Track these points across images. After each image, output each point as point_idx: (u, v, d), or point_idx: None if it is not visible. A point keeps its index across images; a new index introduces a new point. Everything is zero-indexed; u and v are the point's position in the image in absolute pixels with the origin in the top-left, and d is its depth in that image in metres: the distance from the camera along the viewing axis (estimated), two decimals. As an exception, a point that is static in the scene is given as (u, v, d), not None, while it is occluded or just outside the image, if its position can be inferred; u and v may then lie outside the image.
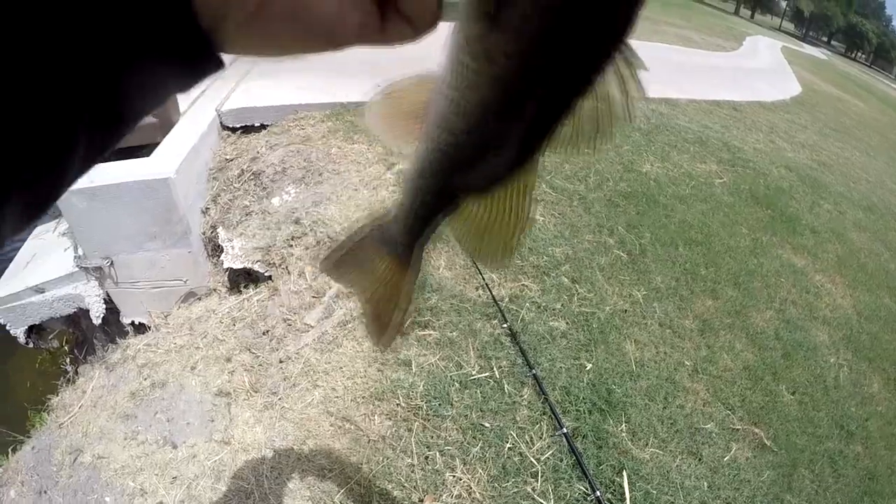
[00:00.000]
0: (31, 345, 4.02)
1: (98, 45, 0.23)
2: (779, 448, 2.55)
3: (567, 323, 2.62)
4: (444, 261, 2.71)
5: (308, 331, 2.65)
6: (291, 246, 2.95)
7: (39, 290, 3.69)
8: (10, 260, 4.90)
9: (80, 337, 4.25)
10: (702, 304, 3.16)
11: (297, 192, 3.30)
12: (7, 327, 3.81)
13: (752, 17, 65.79)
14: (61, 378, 4.03)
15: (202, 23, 0.25)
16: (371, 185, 3.24)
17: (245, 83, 4.68)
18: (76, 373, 3.98)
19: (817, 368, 3.19)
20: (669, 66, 8.78)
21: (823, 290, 3.96)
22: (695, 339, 2.90)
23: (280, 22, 0.28)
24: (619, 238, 3.19)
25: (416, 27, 0.30)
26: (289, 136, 3.80)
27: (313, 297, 2.73)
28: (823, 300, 3.84)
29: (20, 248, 4.23)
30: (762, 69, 13.43)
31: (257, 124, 4.05)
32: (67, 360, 4.20)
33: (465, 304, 2.50)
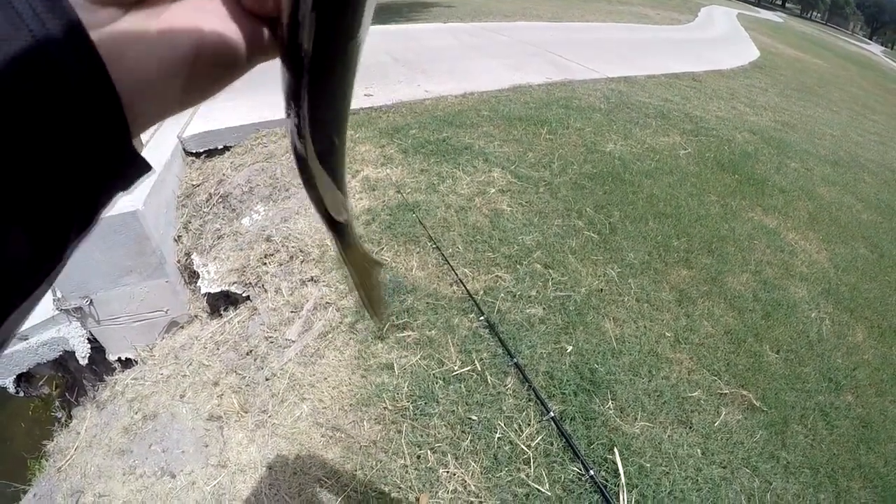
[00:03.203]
0: (21, 394, 3.98)
1: (66, 187, 0.27)
2: (769, 407, 2.57)
3: (544, 309, 2.64)
4: (416, 261, 2.72)
5: (290, 346, 2.66)
6: (265, 264, 2.96)
7: (23, 337, 3.66)
8: None
9: (70, 380, 4.22)
10: (677, 274, 3.19)
11: (265, 209, 3.31)
12: None
13: (707, -12, 66.38)
14: (55, 423, 4.01)
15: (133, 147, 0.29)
16: (336, 195, 3.24)
17: (204, 107, 4.66)
18: (69, 416, 3.95)
19: (799, 325, 3.22)
20: (626, 45, 8.86)
21: (798, 248, 4.01)
22: (673, 310, 2.94)
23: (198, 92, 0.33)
24: (588, 219, 3.22)
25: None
26: (252, 154, 3.80)
27: (292, 311, 2.74)
28: (799, 257, 3.89)
29: None
30: (719, 38, 13.56)
31: (220, 146, 4.05)
32: (58, 404, 4.17)
33: (441, 302, 2.52)
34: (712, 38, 13.30)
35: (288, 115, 0.36)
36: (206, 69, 0.31)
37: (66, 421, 3.93)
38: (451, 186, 3.26)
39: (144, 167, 0.31)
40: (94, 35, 0.25)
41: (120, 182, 0.31)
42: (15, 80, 0.23)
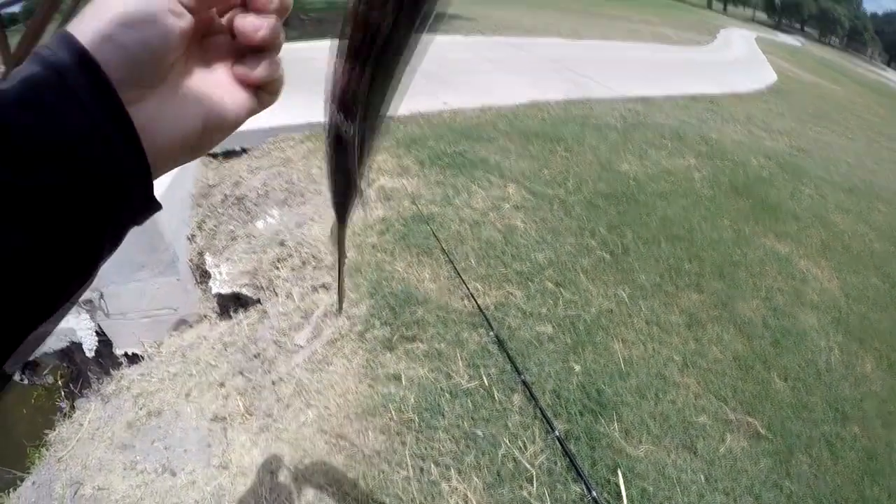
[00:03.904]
0: (25, 381, 4.02)
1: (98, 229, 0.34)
2: (774, 436, 2.56)
3: (553, 327, 2.64)
4: (428, 273, 2.73)
5: (298, 351, 2.67)
6: (278, 268, 2.97)
7: None
8: None
9: (75, 371, 4.24)
10: (687, 298, 3.18)
11: (280, 214, 3.33)
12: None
13: (725, 10, 66.30)
14: (58, 413, 4.03)
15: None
16: (352, 203, 3.26)
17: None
18: (72, 407, 3.98)
19: (808, 353, 3.21)
20: (645, 65, 8.86)
21: (809, 275, 3.99)
22: (682, 334, 2.93)
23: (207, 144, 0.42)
24: (601, 239, 3.22)
25: (275, 95, 0.45)
26: (269, 158, 3.84)
27: (302, 317, 2.75)
28: (810, 285, 3.87)
29: None
30: (737, 60, 13.55)
31: (238, 148, 4.08)
32: (62, 394, 4.19)
33: (451, 315, 2.52)
34: (730, 60, 13.29)
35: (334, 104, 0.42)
36: (209, 135, 0.40)
37: (69, 411, 3.96)
38: (466, 200, 3.27)
39: (157, 208, 0.38)
40: (131, 111, 0.33)
41: (140, 220, 0.37)
42: (82, 148, 0.31)
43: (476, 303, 2.55)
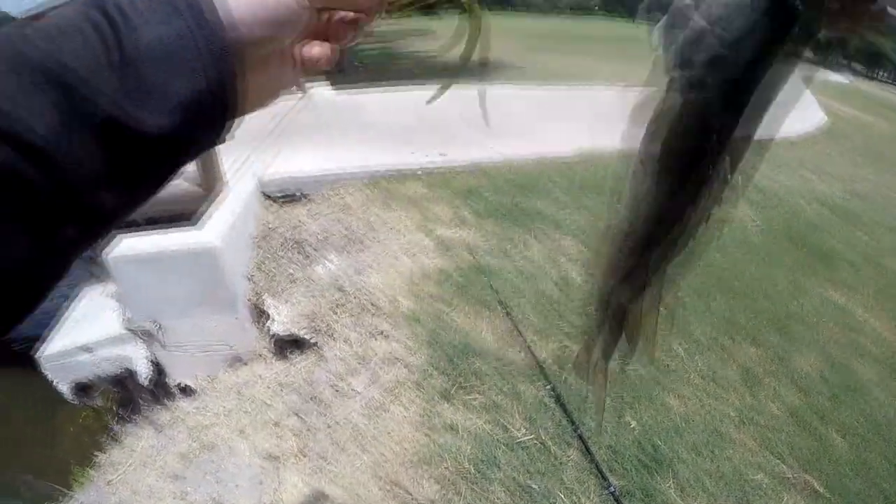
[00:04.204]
0: (76, 401, 4.12)
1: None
2: (832, 494, 2.50)
3: (610, 382, 2.64)
4: (485, 325, 2.77)
5: (355, 396, 2.72)
6: (336, 313, 3.05)
7: (88, 349, 3.81)
8: (57, 316, 5.10)
9: (126, 396, 4.35)
10: (744, 352, 3.15)
11: (339, 260, 3.43)
12: (54, 383, 3.91)
13: (771, 47, 65.89)
14: (106, 435, 4.15)
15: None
16: (411, 253, 3.35)
17: (285, 154, 4.88)
18: (122, 431, 4.09)
19: (867, 408, 3.12)
20: None
21: (867, 326, 3.89)
22: (739, 389, 2.89)
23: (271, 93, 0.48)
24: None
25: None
26: (329, 204, 3.96)
27: (359, 363, 2.80)
28: (867, 336, 3.78)
29: (69, 306, 4.41)
30: (785, 102, 13.30)
31: (298, 193, 4.21)
32: (111, 417, 4.31)
33: (509, 367, 2.56)
34: (779, 101, 13.07)
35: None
36: (261, 101, 0.47)
37: (118, 436, 4.07)
38: (523, 252, 3.32)
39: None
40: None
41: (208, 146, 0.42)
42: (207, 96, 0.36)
43: (534, 356, 2.58)
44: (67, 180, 0.32)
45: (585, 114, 7.30)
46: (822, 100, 15.64)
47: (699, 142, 0.41)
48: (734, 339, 3.14)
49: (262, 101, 0.46)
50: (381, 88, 9.55)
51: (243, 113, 0.42)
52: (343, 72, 14.73)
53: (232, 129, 0.42)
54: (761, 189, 5.29)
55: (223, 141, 0.42)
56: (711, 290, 3.43)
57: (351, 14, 0.46)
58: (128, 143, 0.33)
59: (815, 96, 16.28)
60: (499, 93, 9.31)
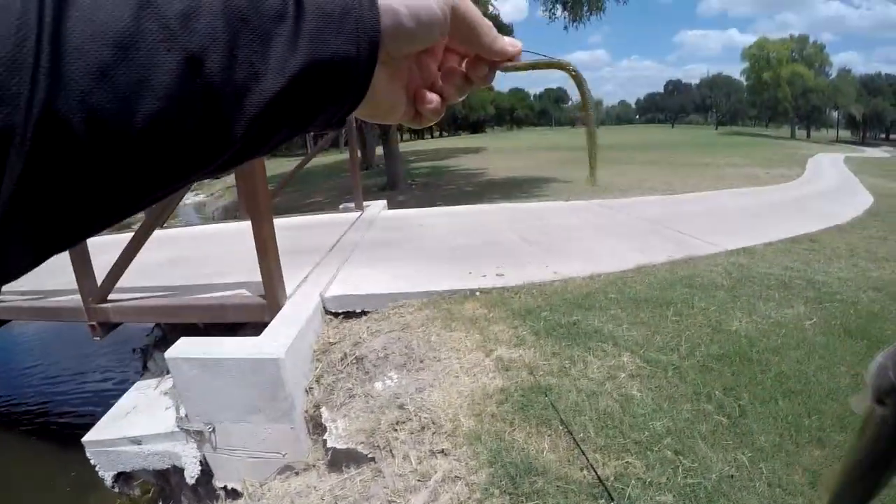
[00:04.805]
0: (116, 489, 4.16)
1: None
2: None
3: (674, 496, 2.57)
4: (546, 444, 2.77)
5: (415, 515, 2.70)
6: (396, 430, 3.09)
7: (136, 441, 3.91)
8: (103, 402, 5.23)
9: (168, 491, 4.37)
10: (809, 455, 3.02)
11: (399, 377, 3.50)
12: (97, 469, 4.00)
13: (809, 136, 65.75)
14: None
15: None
16: (471, 373, 3.40)
17: (345, 270, 5.11)
18: None
19: (939, 506, 2.91)
20: (740, 212, 8.88)
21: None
22: (806, 494, 2.76)
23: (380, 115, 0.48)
24: (717, 403, 3.17)
25: (425, 123, 0.51)
26: (389, 322, 4.08)
27: (418, 480, 2.80)
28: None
29: (122, 396, 4.54)
30: (829, 189, 13.29)
31: (358, 310, 4.37)
32: None
33: (571, 486, 2.52)
34: (823, 190, 13.06)
35: None
36: (379, 115, 0.48)
37: None
38: (582, 370, 3.35)
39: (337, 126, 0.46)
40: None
41: (335, 123, 0.44)
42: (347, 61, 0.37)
43: (596, 473, 2.55)
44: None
45: (637, 226, 7.47)
46: (866, 179, 15.53)
47: None
48: (798, 443, 3.03)
49: (374, 111, 0.47)
50: (436, 207, 9.94)
51: (358, 110, 0.44)
52: (396, 189, 15.48)
53: (349, 118, 0.45)
54: (814, 284, 5.23)
55: (338, 127, 0.45)
56: (772, 395, 3.35)
57: (461, 68, 0.49)
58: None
59: (858, 177, 16.17)
60: (550, 207, 9.63)
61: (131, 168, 0.30)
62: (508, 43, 0.47)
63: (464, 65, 0.49)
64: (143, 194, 0.33)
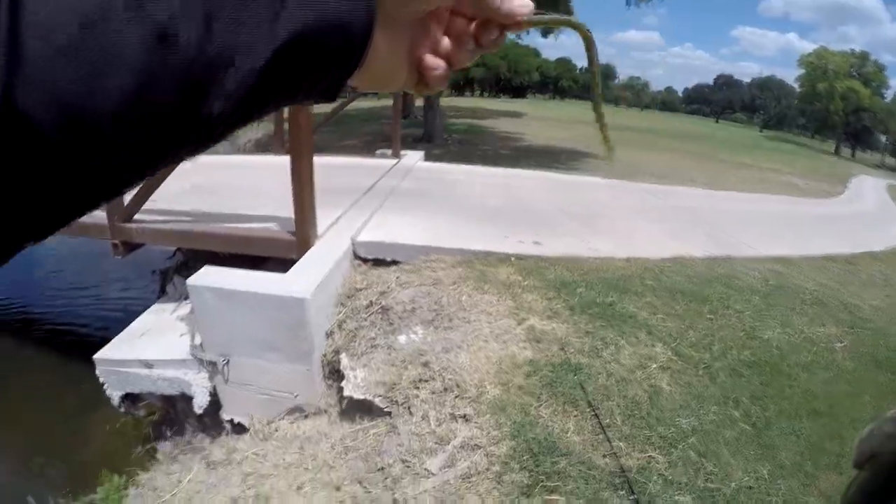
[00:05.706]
0: (122, 409, 4.17)
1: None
2: None
3: (693, 498, 2.54)
4: (572, 425, 2.72)
5: (429, 477, 2.67)
6: (417, 388, 3.04)
7: (148, 364, 3.89)
8: (118, 320, 5.25)
9: (173, 416, 4.39)
10: (826, 479, 2.98)
11: (425, 333, 3.44)
12: (105, 387, 4.00)
13: (853, 155, 64.05)
14: (140, 447, 4.17)
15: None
16: (501, 339, 3.34)
17: (378, 216, 5.00)
18: (154, 448, 4.11)
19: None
20: (780, 219, 8.74)
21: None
22: (819, 521, 2.74)
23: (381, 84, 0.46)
24: (744, 410, 3.12)
25: (432, 90, 0.47)
26: (420, 276, 4.00)
27: (436, 443, 2.77)
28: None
29: (135, 315, 4.54)
30: (869, 213, 13.02)
31: (389, 259, 4.29)
32: (151, 430, 4.36)
33: (593, 472, 2.48)
34: (862, 212, 12.82)
35: None
36: (377, 84, 0.45)
37: (151, 451, 4.10)
38: (614, 354, 3.28)
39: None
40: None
41: (332, 93, 0.40)
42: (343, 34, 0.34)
43: (619, 463, 2.51)
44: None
45: (675, 215, 7.32)
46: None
47: None
48: (818, 465, 2.99)
49: (373, 80, 0.44)
50: (473, 165, 9.80)
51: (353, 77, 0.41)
52: (432, 142, 15.29)
53: (346, 88, 0.41)
54: (849, 307, 5.12)
55: (333, 99, 0.42)
56: (798, 412, 3.30)
57: (471, 29, 0.45)
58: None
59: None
60: (587, 181, 9.46)
61: (104, 155, 0.28)
62: (518, 4, 0.43)
63: (472, 27, 0.45)
64: (121, 181, 0.31)
